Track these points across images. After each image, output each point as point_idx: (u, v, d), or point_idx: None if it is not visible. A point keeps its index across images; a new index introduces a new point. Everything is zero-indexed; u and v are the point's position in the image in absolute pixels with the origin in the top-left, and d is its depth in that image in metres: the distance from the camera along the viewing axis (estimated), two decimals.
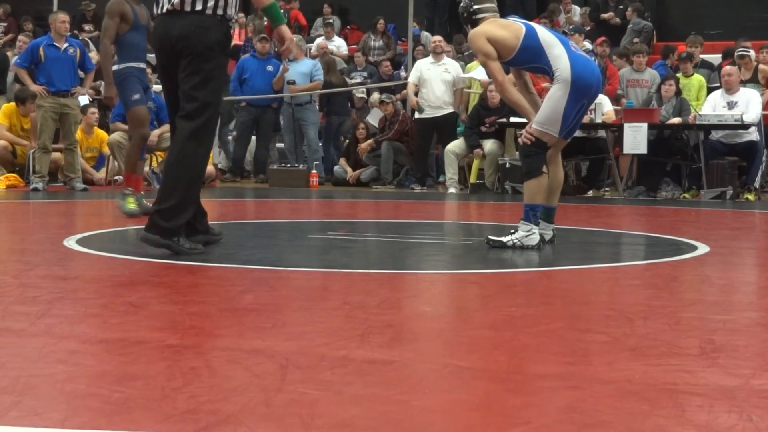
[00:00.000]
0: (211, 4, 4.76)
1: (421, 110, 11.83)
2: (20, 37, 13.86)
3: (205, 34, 4.74)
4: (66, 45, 10.67)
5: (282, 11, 5.60)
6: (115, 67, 7.25)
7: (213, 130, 5.00)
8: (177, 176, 4.79)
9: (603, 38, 12.70)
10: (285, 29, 4.99)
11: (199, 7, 4.75)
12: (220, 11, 4.78)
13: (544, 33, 5.32)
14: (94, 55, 14.19)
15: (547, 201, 5.43)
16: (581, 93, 5.21)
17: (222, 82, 4.98)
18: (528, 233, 5.25)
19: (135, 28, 7.20)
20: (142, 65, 7.33)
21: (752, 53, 11.22)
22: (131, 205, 7.18)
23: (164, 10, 4.87)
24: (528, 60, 5.31)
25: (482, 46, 5.28)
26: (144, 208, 7.17)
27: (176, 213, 4.75)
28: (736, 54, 11.25)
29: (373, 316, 3.24)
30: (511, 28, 5.29)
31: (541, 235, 5.31)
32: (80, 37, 14.97)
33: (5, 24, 18.06)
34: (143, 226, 4.88)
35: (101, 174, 11.65)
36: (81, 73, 11.02)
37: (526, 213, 5.29)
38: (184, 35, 4.75)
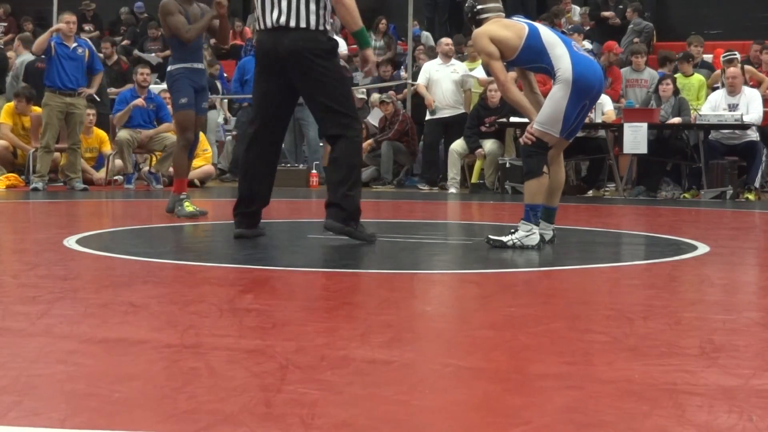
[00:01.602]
0: (313, 19, 5.27)
1: (434, 112, 11.85)
2: (17, 38, 13.85)
3: (313, 46, 5.27)
4: (75, 45, 10.70)
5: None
6: (168, 68, 7.17)
7: (355, 115, 5.54)
8: (351, 167, 5.36)
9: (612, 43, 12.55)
10: (370, 53, 5.68)
11: (303, 25, 5.27)
12: (321, 27, 5.33)
13: (546, 33, 5.32)
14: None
15: (547, 201, 5.43)
16: (583, 93, 5.20)
17: (341, 74, 5.56)
18: (528, 233, 5.24)
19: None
20: (197, 65, 7.18)
21: (738, 56, 11.18)
22: (190, 207, 6.93)
23: (269, 26, 5.33)
24: (530, 60, 5.31)
25: (485, 46, 5.29)
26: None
27: (356, 200, 5.37)
28: (722, 59, 11.22)
29: (373, 316, 3.24)
30: (514, 28, 5.30)
31: (541, 235, 5.31)
32: (80, 37, 14.95)
33: (5, 24, 18.06)
34: (143, 227, 4.88)
35: (101, 174, 11.65)
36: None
37: (527, 213, 5.28)
38: (293, 50, 5.26)
